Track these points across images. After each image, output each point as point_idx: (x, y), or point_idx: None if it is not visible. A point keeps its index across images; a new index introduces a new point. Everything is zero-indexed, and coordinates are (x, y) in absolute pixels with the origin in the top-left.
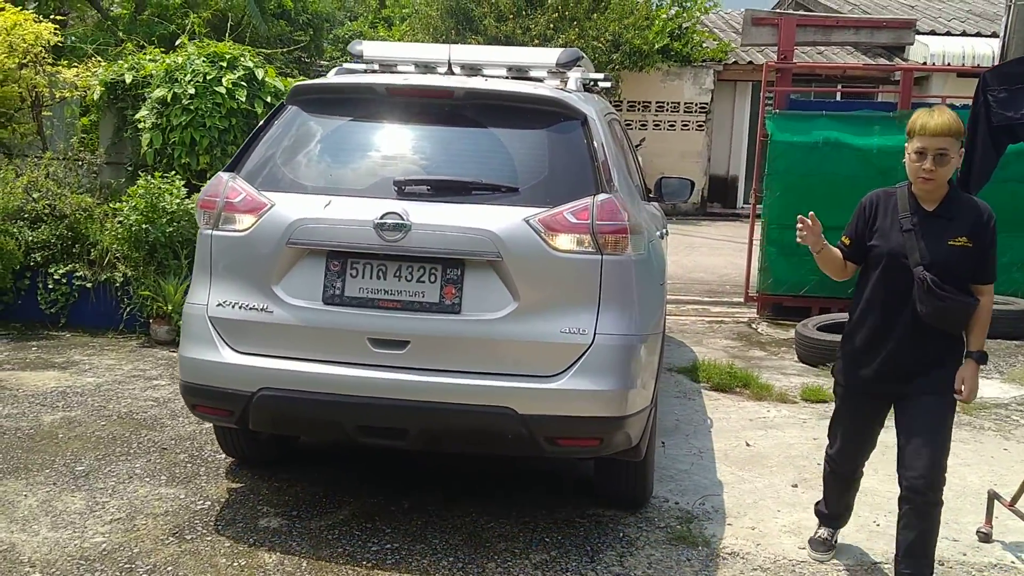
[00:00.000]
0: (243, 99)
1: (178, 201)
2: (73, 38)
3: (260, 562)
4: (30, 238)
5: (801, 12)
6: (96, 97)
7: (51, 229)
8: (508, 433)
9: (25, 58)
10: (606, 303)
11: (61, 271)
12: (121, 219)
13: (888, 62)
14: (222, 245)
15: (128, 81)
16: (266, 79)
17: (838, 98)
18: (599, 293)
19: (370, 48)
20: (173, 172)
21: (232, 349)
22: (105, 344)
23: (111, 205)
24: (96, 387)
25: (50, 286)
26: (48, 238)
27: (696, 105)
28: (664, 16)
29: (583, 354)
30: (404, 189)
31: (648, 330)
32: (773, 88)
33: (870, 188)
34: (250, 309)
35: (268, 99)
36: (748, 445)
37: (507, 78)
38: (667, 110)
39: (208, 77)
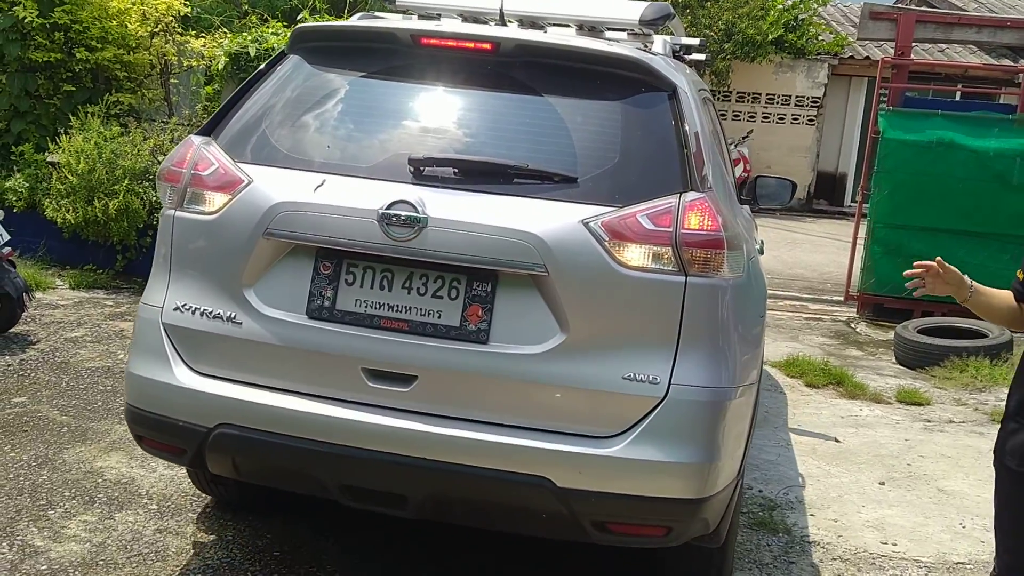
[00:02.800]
0: None
1: None
2: (199, 9)
3: None
4: (154, 199)
5: (923, 8)
6: (220, 67)
7: None
8: (542, 511)
9: (156, 27)
10: (688, 342)
11: None
12: None
13: (1013, 63)
14: (185, 230)
15: (252, 54)
16: None
17: (957, 98)
18: (679, 328)
19: None
20: None
21: (189, 368)
22: None
23: None
24: None
25: None
26: None
27: (808, 99)
28: (780, 6)
29: (652, 411)
30: (422, 171)
31: (743, 380)
32: (888, 84)
33: (984, 191)
34: (214, 318)
35: None
36: (837, 441)
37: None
38: (777, 103)
39: None
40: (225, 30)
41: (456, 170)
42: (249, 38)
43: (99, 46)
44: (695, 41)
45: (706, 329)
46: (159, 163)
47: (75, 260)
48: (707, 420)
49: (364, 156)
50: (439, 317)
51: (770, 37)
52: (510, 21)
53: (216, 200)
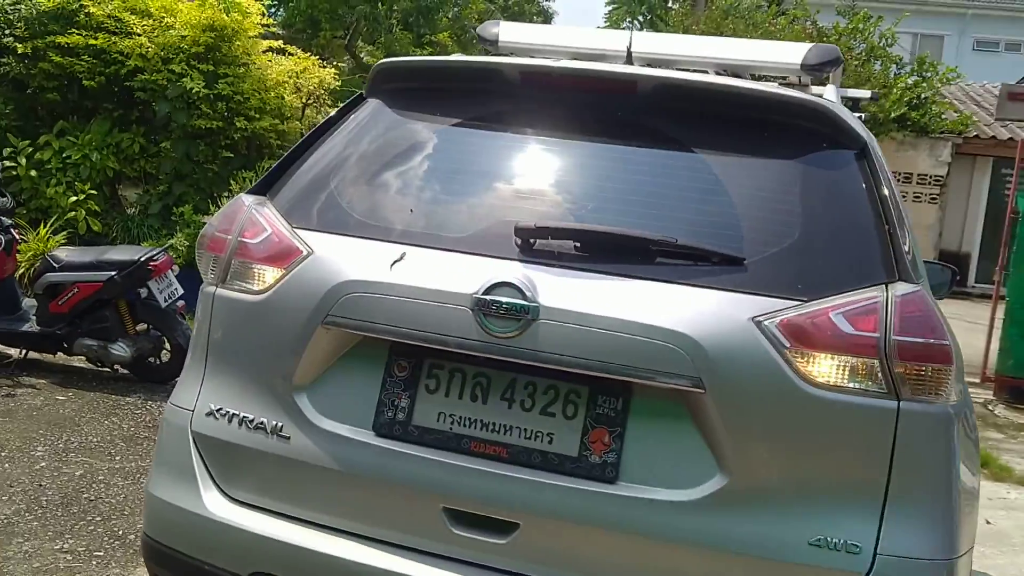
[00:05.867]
0: None
1: None
2: (346, 83)
3: None
4: None
5: None
6: None
7: None
8: None
9: (308, 99)
10: (900, 493)
11: None
12: None
13: None
14: (226, 313)
15: None
16: None
17: None
18: (888, 473)
19: (509, 32)
20: None
21: (222, 493)
22: None
23: None
24: None
25: None
26: None
27: (930, 177)
28: (903, 85)
29: None
30: (532, 244)
31: (966, 547)
32: None
33: None
34: (255, 428)
35: None
36: (988, 523)
37: None
38: (899, 180)
39: None
40: None
41: (578, 244)
42: None
43: (257, 116)
44: (866, 94)
45: (925, 474)
46: None
47: None
48: None
49: (456, 223)
50: (550, 443)
51: (892, 115)
52: (638, 64)
53: (266, 276)
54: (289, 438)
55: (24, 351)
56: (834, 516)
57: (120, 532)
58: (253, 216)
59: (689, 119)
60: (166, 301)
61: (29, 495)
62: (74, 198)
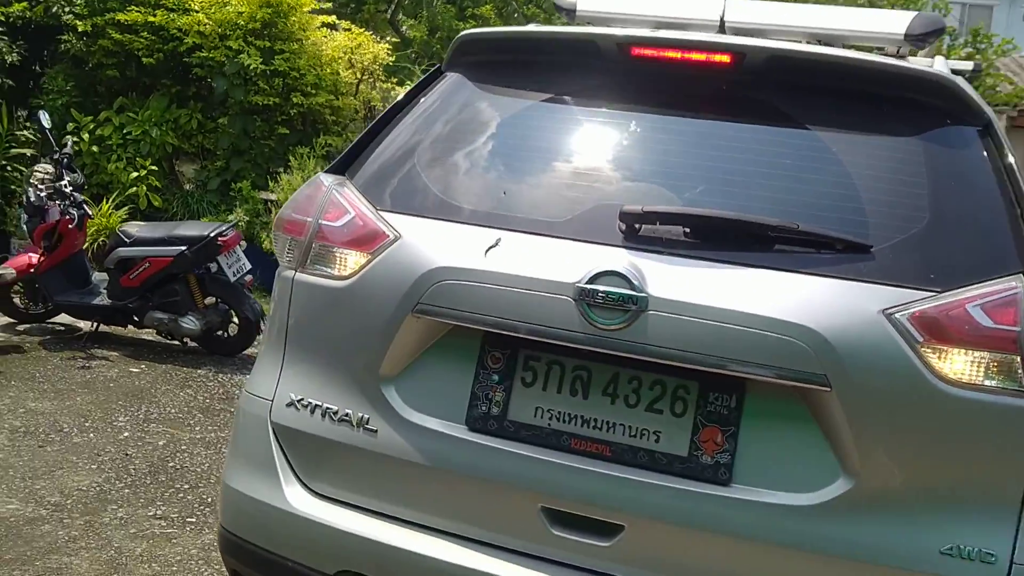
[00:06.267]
0: None
1: None
2: (399, 59)
3: None
4: None
5: None
6: None
7: None
8: None
9: (362, 75)
10: None
11: None
12: None
13: None
14: (308, 299)
15: None
16: None
17: None
18: None
19: (588, 0)
20: None
21: (304, 487)
22: None
23: None
24: None
25: None
26: None
27: None
28: (956, 57)
29: None
30: (637, 229)
31: None
32: None
33: None
34: (340, 420)
35: None
36: None
37: None
38: None
39: None
40: (405, 78)
41: (687, 230)
42: None
43: (313, 92)
44: (968, 65)
45: None
46: None
47: None
48: None
49: (554, 207)
50: (657, 441)
51: None
52: (730, 34)
53: (350, 261)
54: (376, 431)
55: (96, 324)
56: (967, 523)
57: (209, 500)
58: (334, 197)
59: (802, 94)
60: (235, 276)
61: (117, 464)
62: (135, 174)
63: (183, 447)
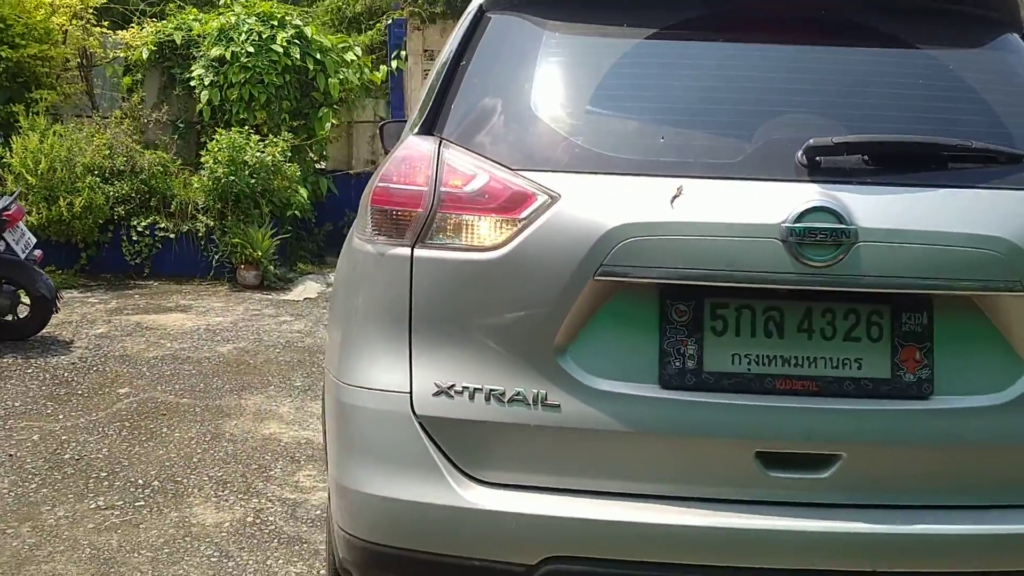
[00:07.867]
0: (296, 56)
1: (258, 154)
2: None
3: None
4: (111, 192)
5: None
6: (145, 57)
7: (130, 184)
8: None
9: (71, 19)
10: None
11: (144, 223)
12: (206, 172)
13: None
14: (439, 277)
15: (178, 41)
16: (313, 35)
17: None
18: None
19: None
20: (233, 128)
21: (471, 479)
22: (198, 290)
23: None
24: (233, 324)
25: (134, 238)
26: (128, 192)
27: None
28: None
29: None
30: (819, 163)
31: None
32: None
33: None
34: (512, 401)
35: (317, 55)
36: None
37: None
38: None
39: (263, 36)
40: (145, 19)
41: (867, 157)
42: (171, 26)
43: (23, 43)
44: None
45: None
46: (112, 158)
47: None
48: None
49: (721, 147)
50: (859, 368)
51: None
52: None
53: (497, 230)
54: (559, 405)
55: None
56: None
57: (141, 481)
58: (450, 162)
59: (908, 14)
60: (23, 252)
61: (8, 468)
62: None
63: (63, 437)
